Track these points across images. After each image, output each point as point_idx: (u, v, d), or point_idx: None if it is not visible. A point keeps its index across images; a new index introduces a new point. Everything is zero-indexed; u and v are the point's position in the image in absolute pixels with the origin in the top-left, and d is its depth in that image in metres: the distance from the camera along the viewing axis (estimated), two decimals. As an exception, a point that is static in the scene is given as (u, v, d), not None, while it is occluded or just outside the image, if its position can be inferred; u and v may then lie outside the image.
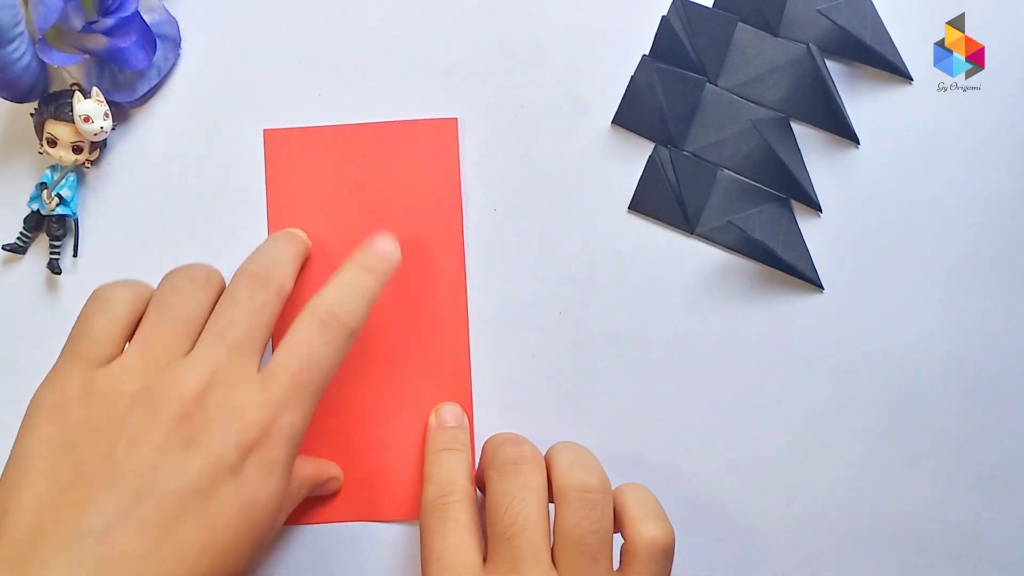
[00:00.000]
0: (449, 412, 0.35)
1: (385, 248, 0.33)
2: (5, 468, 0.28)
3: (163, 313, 0.30)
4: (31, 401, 0.29)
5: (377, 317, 0.35)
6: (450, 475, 0.32)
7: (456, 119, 0.36)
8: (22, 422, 0.29)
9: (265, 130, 0.36)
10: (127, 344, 0.30)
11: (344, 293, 0.31)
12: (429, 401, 0.35)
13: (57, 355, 0.35)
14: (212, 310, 0.31)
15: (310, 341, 0.30)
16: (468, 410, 0.35)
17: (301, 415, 0.29)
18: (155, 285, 0.32)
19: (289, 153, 0.36)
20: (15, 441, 0.28)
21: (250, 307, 0.30)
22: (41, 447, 0.27)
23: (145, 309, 0.31)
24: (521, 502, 0.30)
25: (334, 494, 0.35)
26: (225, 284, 0.32)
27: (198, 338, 0.30)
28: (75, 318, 0.35)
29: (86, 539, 0.25)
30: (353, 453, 0.35)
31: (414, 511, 0.35)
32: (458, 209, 0.36)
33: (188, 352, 0.29)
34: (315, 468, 0.34)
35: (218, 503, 0.27)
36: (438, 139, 0.36)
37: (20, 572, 0.25)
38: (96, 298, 0.31)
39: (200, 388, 0.28)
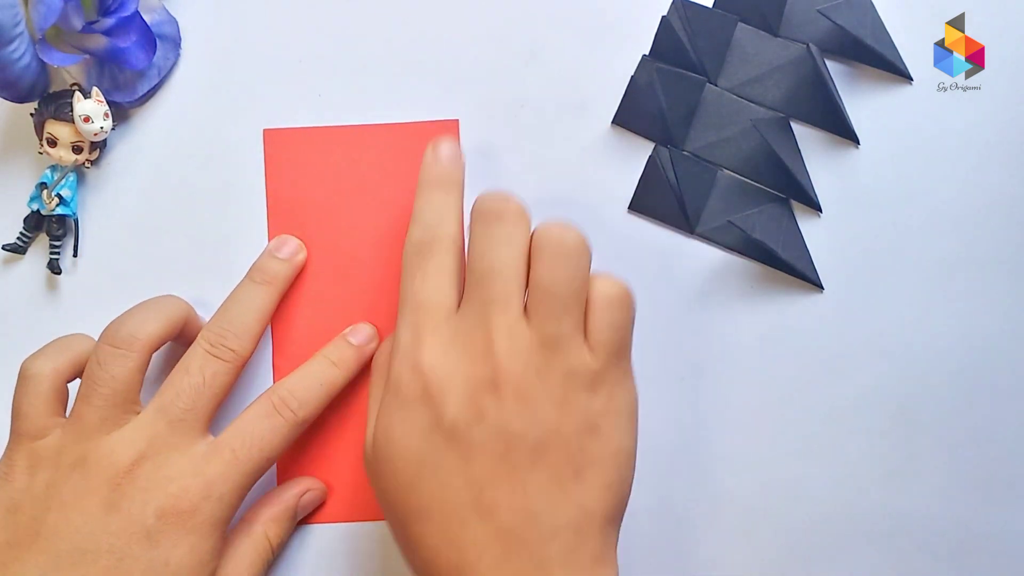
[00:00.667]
0: (447, 147, 0.33)
1: (360, 338, 0.34)
2: None
3: (92, 389, 0.31)
4: None
5: (376, 318, 0.35)
6: (439, 217, 0.31)
7: (458, 121, 0.36)
8: None
9: (265, 130, 0.36)
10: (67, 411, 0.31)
11: (302, 383, 0.33)
12: None
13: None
14: (140, 374, 0.31)
15: (258, 424, 0.31)
16: None
17: (232, 487, 0.30)
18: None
19: (289, 153, 0.36)
20: None
21: (199, 379, 0.31)
22: None
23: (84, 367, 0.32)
24: (499, 248, 0.29)
25: (323, 503, 0.35)
26: (158, 338, 0.32)
27: (135, 403, 0.31)
28: (75, 318, 0.35)
29: None
30: (352, 454, 0.35)
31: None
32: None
33: (126, 419, 0.31)
34: (277, 507, 0.33)
35: (128, 565, 0.28)
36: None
37: None
38: (20, 376, 0.32)
39: (134, 458, 0.30)
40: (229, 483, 0.30)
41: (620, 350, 0.30)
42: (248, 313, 0.33)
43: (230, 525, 0.31)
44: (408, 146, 0.36)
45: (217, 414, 0.32)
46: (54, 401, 0.31)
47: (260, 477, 0.31)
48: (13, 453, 0.31)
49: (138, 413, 0.31)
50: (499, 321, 0.29)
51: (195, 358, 0.32)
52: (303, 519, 0.35)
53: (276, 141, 0.36)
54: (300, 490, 0.34)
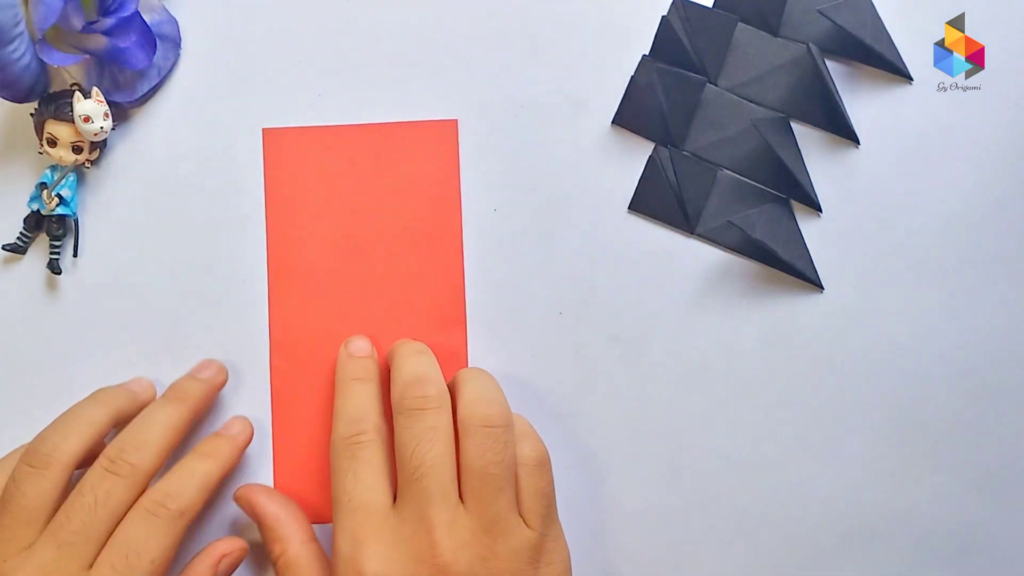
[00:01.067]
0: (357, 343, 0.35)
1: (234, 430, 0.34)
2: None
3: (4, 507, 0.30)
4: None
5: (376, 317, 0.35)
6: (360, 410, 0.32)
7: (456, 121, 0.36)
8: None
9: (264, 129, 0.36)
10: None
11: (176, 481, 0.31)
12: None
13: (56, 357, 0.35)
14: (56, 493, 0.30)
15: (134, 533, 0.30)
16: None
17: None
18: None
19: (288, 153, 0.36)
20: None
21: (91, 499, 0.30)
22: None
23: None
24: (427, 443, 0.30)
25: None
26: (78, 456, 0.31)
27: (45, 525, 0.30)
28: (75, 318, 0.35)
29: None
30: None
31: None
32: (457, 210, 0.36)
33: (33, 539, 0.29)
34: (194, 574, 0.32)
35: None
36: (438, 140, 0.36)
37: None
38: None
39: None
40: None
41: (549, 511, 0.31)
42: (154, 427, 0.32)
43: None
44: (408, 146, 0.36)
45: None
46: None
47: None
48: None
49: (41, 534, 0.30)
50: (439, 517, 0.29)
51: (91, 476, 0.30)
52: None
53: (275, 140, 0.36)
54: (215, 558, 0.33)
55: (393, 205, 0.36)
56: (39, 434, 0.31)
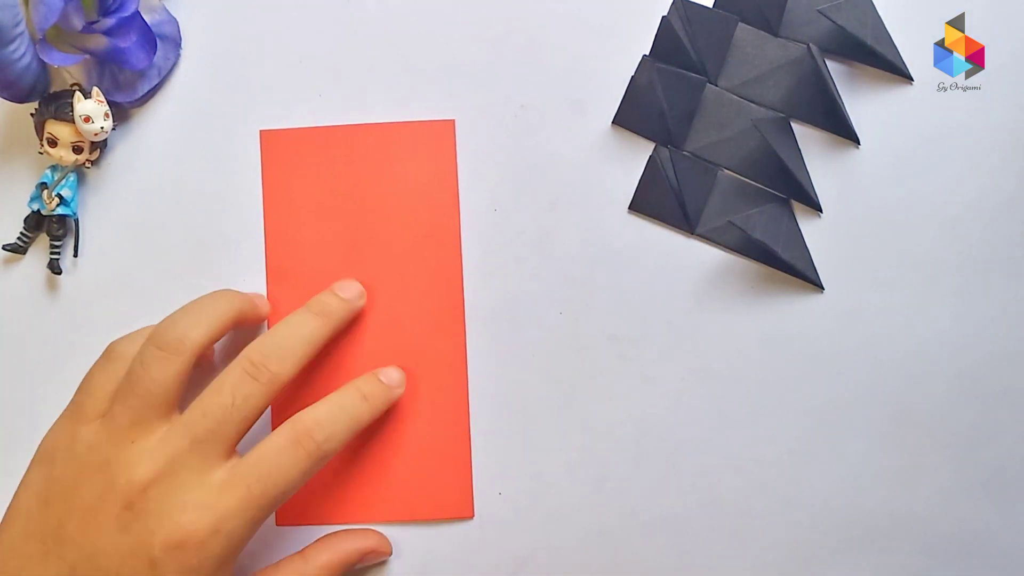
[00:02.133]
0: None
1: (390, 379, 0.34)
2: (11, 499, 0.31)
3: (130, 389, 0.30)
4: (42, 439, 0.31)
5: (375, 318, 0.35)
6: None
7: (454, 121, 0.36)
8: (32, 457, 0.31)
9: (261, 131, 0.36)
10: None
11: (331, 415, 0.31)
12: (424, 404, 0.35)
13: (56, 357, 0.35)
14: (183, 379, 0.30)
15: (278, 457, 0.30)
16: (464, 410, 0.35)
17: (244, 523, 0.29)
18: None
19: (285, 154, 0.36)
20: (24, 473, 0.31)
21: (229, 400, 0.30)
22: (27, 494, 0.30)
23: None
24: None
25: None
26: (207, 342, 0.31)
27: (172, 409, 0.30)
28: (75, 318, 0.35)
29: None
30: (344, 456, 0.35)
31: (410, 513, 0.35)
32: (455, 211, 0.36)
33: (157, 426, 0.30)
34: (336, 556, 0.33)
35: None
36: (435, 141, 0.36)
37: None
38: (105, 353, 0.32)
39: (151, 477, 0.29)
40: (240, 520, 0.29)
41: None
42: (297, 339, 0.32)
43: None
44: (405, 146, 0.36)
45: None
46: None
47: (274, 511, 0.30)
48: (60, 431, 0.31)
49: (170, 420, 0.30)
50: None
51: (231, 377, 0.30)
52: (303, 520, 0.35)
53: (272, 142, 0.36)
54: (365, 549, 0.33)
55: (390, 206, 0.36)
56: (167, 319, 0.31)
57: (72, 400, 0.31)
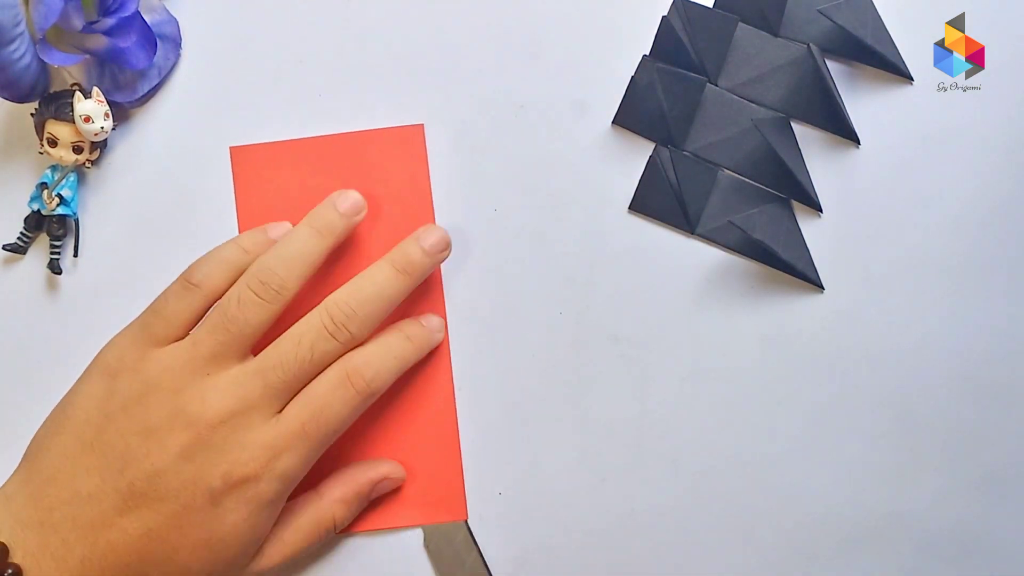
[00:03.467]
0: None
1: (431, 324, 0.35)
2: (60, 402, 0.32)
3: (220, 324, 0.31)
4: (101, 349, 0.32)
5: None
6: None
7: (422, 125, 0.36)
8: (89, 364, 0.32)
9: (231, 148, 0.36)
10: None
11: (378, 355, 0.32)
12: (411, 408, 0.35)
13: (56, 357, 0.35)
14: (272, 323, 0.32)
15: (329, 396, 0.31)
16: (451, 413, 0.35)
17: (298, 461, 0.31)
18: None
19: (257, 169, 0.36)
20: (79, 378, 0.32)
21: (307, 355, 0.31)
22: (87, 403, 0.31)
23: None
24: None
25: (398, 491, 0.35)
26: (302, 284, 0.32)
27: (251, 349, 0.32)
28: (75, 318, 0.35)
29: (76, 501, 0.30)
30: (340, 460, 0.35)
31: (406, 519, 0.35)
32: (430, 213, 0.36)
33: (233, 364, 0.31)
34: (350, 488, 0.34)
35: (189, 515, 0.30)
36: (405, 146, 0.36)
37: (33, 513, 0.30)
38: (182, 279, 0.32)
39: (222, 416, 0.30)
40: (295, 457, 0.31)
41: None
42: (383, 302, 0.32)
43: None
44: (375, 153, 0.36)
45: None
46: (198, 317, 0.32)
47: (325, 448, 0.32)
48: (129, 348, 0.32)
49: (245, 360, 0.31)
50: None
51: (311, 331, 0.31)
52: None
53: (243, 158, 0.36)
54: (377, 477, 0.34)
55: (369, 209, 0.35)
56: (266, 260, 0.32)
57: (141, 319, 0.32)
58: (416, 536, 0.35)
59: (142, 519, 0.30)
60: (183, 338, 0.32)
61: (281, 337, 0.32)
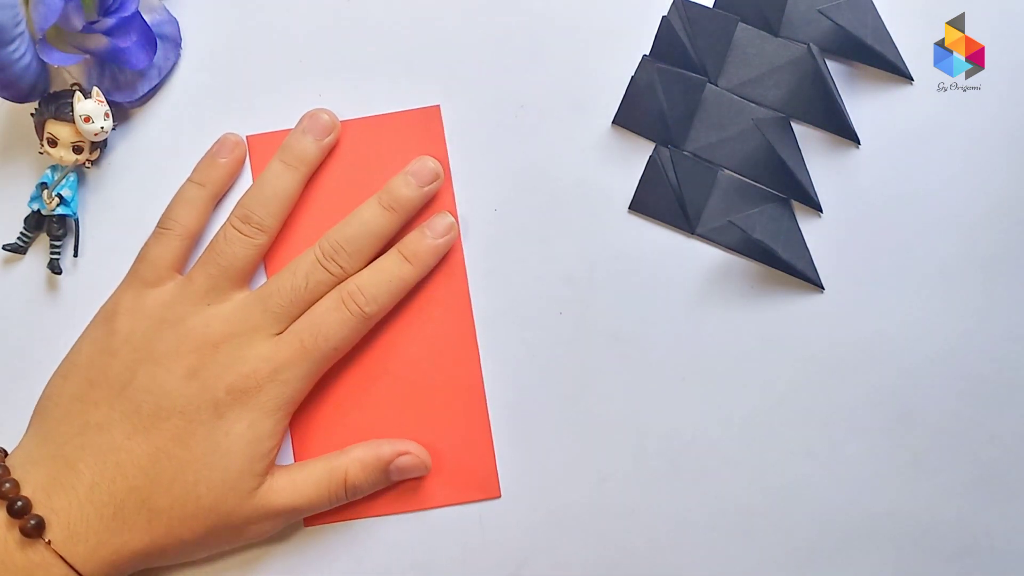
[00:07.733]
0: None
1: (435, 230, 0.35)
2: (66, 357, 0.34)
3: (212, 260, 0.34)
4: (100, 308, 0.35)
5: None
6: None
7: (439, 106, 0.36)
8: (89, 323, 0.34)
9: (249, 136, 0.36)
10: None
11: (372, 279, 0.34)
12: (442, 389, 0.35)
13: (56, 357, 0.35)
14: (262, 255, 0.35)
15: (326, 315, 0.33)
16: (480, 393, 0.35)
17: (299, 377, 0.33)
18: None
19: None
20: (80, 334, 0.34)
21: (302, 284, 0.33)
22: (90, 347, 0.34)
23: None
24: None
25: (424, 474, 0.35)
26: (282, 220, 0.35)
27: (246, 282, 0.34)
28: (75, 318, 0.35)
29: (85, 431, 0.32)
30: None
31: (417, 503, 0.35)
32: (450, 194, 0.36)
33: (231, 295, 0.34)
34: (370, 452, 0.34)
35: (194, 428, 0.32)
36: (423, 128, 0.36)
37: (44, 450, 0.32)
38: (158, 226, 0.35)
39: (224, 337, 0.33)
40: (295, 369, 0.32)
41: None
42: (369, 237, 0.34)
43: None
44: (392, 137, 0.36)
45: None
46: (181, 258, 0.35)
47: (328, 367, 0.34)
48: (123, 294, 0.34)
49: (243, 291, 0.34)
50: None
51: (305, 263, 0.34)
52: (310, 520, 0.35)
53: (261, 146, 0.36)
54: (400, 449, 0.34)
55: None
56: (247, 199, 0.35)
57: (131, 270, 0.35)
58: (419, 531, 0.35)
59: (149, 439, 0.31)
60: (171, 275, 0.34)
61: (281, 271, 0.34)
